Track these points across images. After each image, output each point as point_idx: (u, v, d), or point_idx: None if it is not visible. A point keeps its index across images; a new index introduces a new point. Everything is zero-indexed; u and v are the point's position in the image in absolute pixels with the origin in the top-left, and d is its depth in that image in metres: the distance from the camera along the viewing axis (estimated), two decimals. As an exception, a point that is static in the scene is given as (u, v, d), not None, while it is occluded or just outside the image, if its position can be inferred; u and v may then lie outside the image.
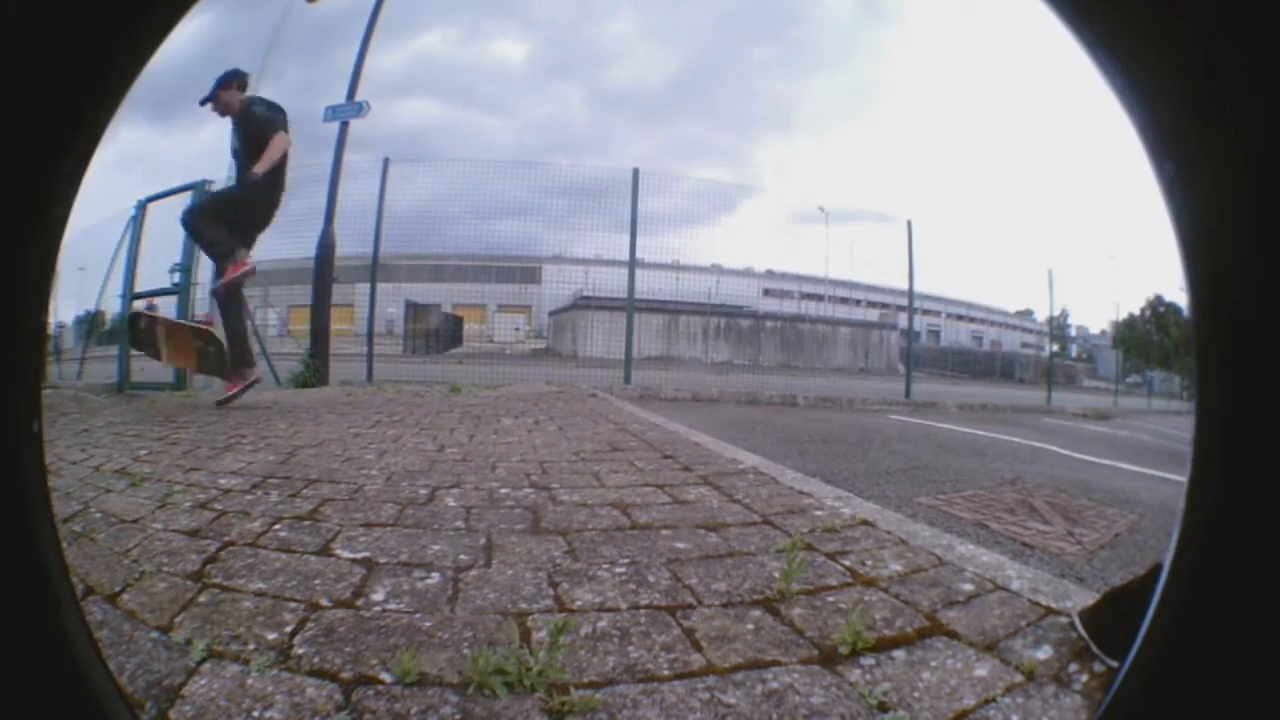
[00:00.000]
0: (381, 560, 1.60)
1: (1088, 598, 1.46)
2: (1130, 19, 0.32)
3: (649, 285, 12.15)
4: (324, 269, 7.88)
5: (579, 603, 1.40)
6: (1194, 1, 0.30)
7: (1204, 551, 0.35)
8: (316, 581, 1.45)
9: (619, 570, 1.59)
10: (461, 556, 1.65)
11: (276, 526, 1.84)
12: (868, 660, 1.18)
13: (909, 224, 12.54)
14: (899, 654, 1.21)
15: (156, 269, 7.56)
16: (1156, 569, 0.58)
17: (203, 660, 1.08)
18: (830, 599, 1.45)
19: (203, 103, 5.03)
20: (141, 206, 7.81)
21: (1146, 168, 0.34)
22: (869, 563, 1.69)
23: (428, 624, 1.27)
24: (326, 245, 7.85)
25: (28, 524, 0.41)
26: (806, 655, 1.19)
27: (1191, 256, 0.34)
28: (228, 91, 5.04)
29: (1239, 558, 0.34)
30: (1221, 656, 0.34)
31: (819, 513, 2.18)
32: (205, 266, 7.89)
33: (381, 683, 1.05)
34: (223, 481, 2.37)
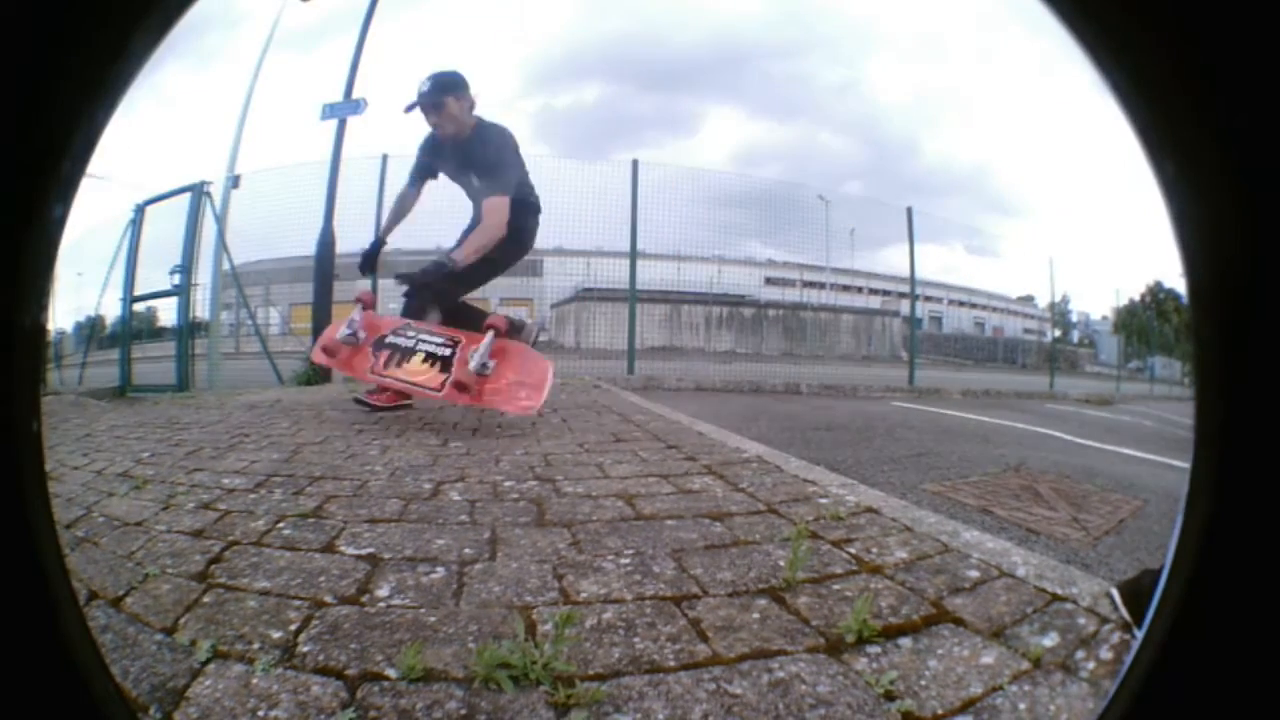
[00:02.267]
0: (386, 556, 1.60)
1: (1094, 584, 1.45)
2: (1130, 19, 0.32)
3: (650, 276, 12.11)
4: (324, 266, 7.88)
5: (584, 594, 1.40)
6: (1194, 1, 0.30)
7: (1214, 523, 0.35)
8: (321, 579, 1.45)
9: (624, 561, 1.59)
10: (466, 550, 1.65)
11: (280, 525, 1.84)
12: (874, 648, 1.17)
13: (909, 210, 12.51)
14: (905, 642, 1.20)
15: (159, 271, 7.59)
16: None
17: (207, 661, 1.08)
18: (836, 587, 1.44)
19: (411, 109, 3.96)
20: (140, 210, 7.81)
21: (1146, 168, 0.34)
22: (874, 550, 1.68)
23: (432, 619, 1.27)
24: (326, 243, 7.84)
25: (26, 525, 0.40)
26: (813, 644, 1.19)
27: (1191, 257, 0.33)
28: (460, 101, 3.93)
29: (1253, 521, 0.33)
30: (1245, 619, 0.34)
31: (824, 500, 2.17)
32: (205, 268, 7.91)
33: (386, 679, 1.05)
34: (226, 481, 2.37)
